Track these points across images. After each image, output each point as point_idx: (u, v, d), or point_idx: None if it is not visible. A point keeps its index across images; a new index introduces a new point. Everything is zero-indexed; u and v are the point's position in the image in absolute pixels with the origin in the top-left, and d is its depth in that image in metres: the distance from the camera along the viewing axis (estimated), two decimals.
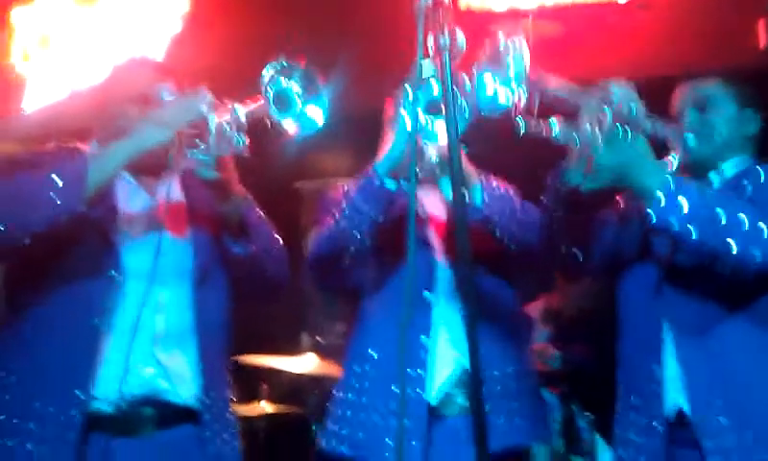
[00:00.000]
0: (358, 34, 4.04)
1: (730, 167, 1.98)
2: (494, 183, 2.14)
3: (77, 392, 1.83)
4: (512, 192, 2.16)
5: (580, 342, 3.61)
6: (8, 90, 4.88)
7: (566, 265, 2.02)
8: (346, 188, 2.21)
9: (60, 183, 1.77)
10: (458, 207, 1.39)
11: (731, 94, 2.01)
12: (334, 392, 2.25)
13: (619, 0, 4.13)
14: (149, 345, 1.92)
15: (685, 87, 2.06)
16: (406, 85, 1.91)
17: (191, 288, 2.00)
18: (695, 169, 1.97)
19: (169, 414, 1.94)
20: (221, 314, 2.09)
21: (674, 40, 3.93)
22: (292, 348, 3.96)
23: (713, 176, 1.99)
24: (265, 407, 3.82)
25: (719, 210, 1.70)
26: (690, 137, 1.94)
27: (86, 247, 1.89)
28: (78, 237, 1.86)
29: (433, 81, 1.82)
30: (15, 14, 4.97)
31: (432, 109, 1.86)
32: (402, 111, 1.99)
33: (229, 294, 2.11)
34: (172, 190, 2.06)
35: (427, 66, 1.65)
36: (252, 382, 3.87)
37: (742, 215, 1.70)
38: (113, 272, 1.90)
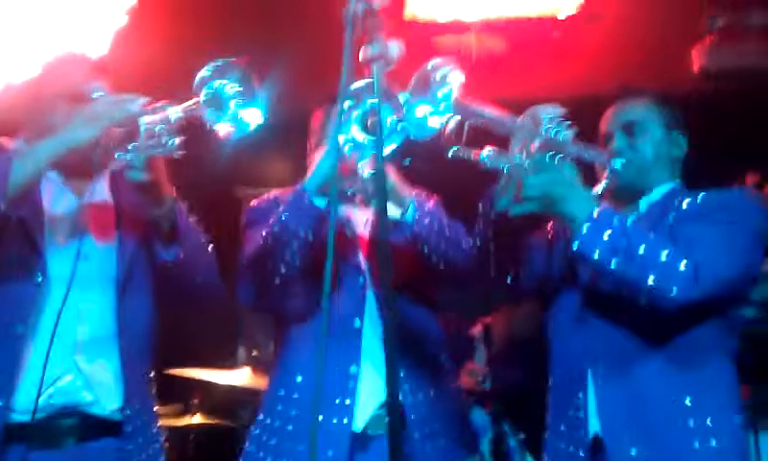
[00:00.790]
0: (304, 36, 4.01)
1: (657, 191, 2.00)
2: (425, 199, 2.12)
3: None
4: (441, 210, 2.14)
5: (515, 363, 3.63)
6: None
7: (497, 289, 2.02)
8: (274, 200, 2.16)
9: None
10: (381, 226, 1.35)
11: (659, 116, 2.02)
12: (259, 416, 2.16)
13: (558, 16, 4.18)
14: (70, 353, 1.86)
15: (614, 109, 2.06)
16: (337, 99, 1.87)
17: (115, 295, 1.94)
18: (623, 193, 1.99)
19: (90, 425, 1.87)
20: (146, 322, 2.03)
21: (613, 57, 4.02)
22: (228, 361, 3.92)
23: (642, 199, 2.00)
24: (197, 419, 3.76)
25: (639, 243, 1.72)
26: (617, 161, 1.96)
27: (10, 249, 1.82)
28: (1, 239, 1.79)
29: (368, 94, 1.78)
30: None
31: (366, 124, 1.82)
32: (333, 126, 1.96)
33: (155, 302, 2.05)
34: (99, 191, 2.00)
35: (358, 80, 1.64)
36: (184, 394, 3.81)
37: (662, 250, 1.72)
38: (39, 277, 1.83)
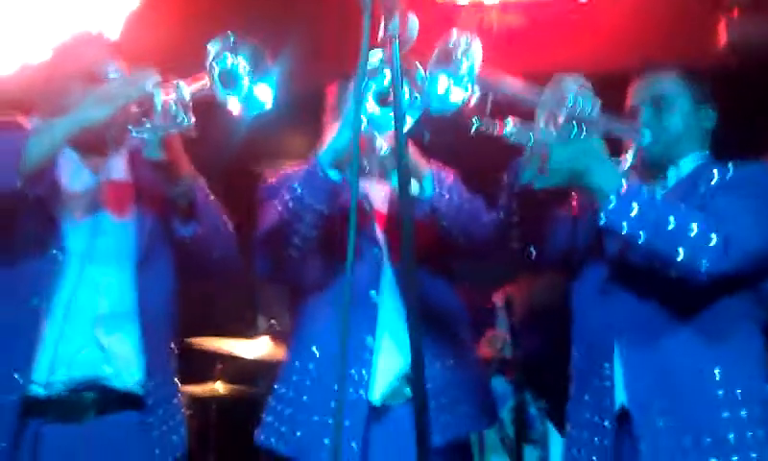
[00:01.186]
0: (319, 11, 3.99)
1: (686, 164, 1.97)
2: (444, 174, 2.10)
3: (15, 375, 1.79)
4: (460, 184, 2.12)
5: (537, 332, 3.64)
6: None
7: (521, 262, 2.01)
8: (288, 176, 2.16)
9: None
10: (404, 201, 1.36)
11: (687, 90, 1.99)
12: (275, 386, 2.18)
13: None
14: (90, 327, 1.88)
15: (641, 83, 2.03)
16: (354, 74, 1.86)
17: (133, 270, 1.95)
18: (651, 166, 1.97)
19: (111, 399, 1.90)
20: (165, 297, 2.04)
21: (635, 35, 3.95)
22: (247, 331, 3.94)
23: (670, 172, 1.97)
24: (218, 388, 3.80)
25: (668, 216, 1.69)
26: (646, 135, 1.92)
27: (28, 225, 1.84)
28: (19, 214, 1.81)
29: (385, 69, 1.76)
30: None
31: (383, 99, 1.80)
32: (350, 100, 1.93)
33: (174, 276, 2.06)
34: (116, 169, 2.02)
35: (375, 54, 1.63)
36: (206, 364, 3.85)
37: (692, 223, 1.69)
38: (56, 251, 1.85)
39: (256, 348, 3.76)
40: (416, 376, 1.34)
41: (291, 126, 3.66)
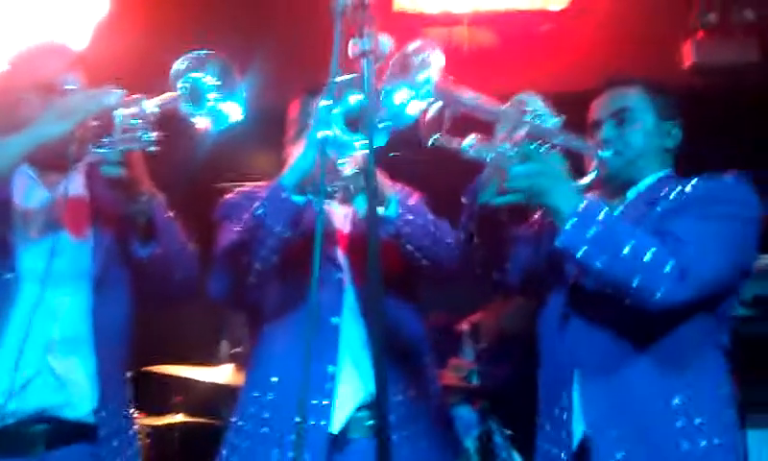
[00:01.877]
0: (287, 26, 3.97)
1: (645, 183, 1.93)
2: (408, 196, 2.06)
3: None
4: (424, 206, 2.08)
5: (504, 360, 3.61)
6: None
7: (484, 284, 1.97)
8: (248, 194, 2.10)
9: None
10: (371, 224, 1.31)
11: (650, 105, 1.95)
12: (232, 419, 2.09)
13: (551, 8, 4.15)
14: (42, 353, 1.79)
15: (604, 97, 1.99)
16: (319, 95, 1.80)
17: (89, 292, 1.88)
18: (612, 183, 1.94)
19: (62, 431, 1.81)
20: (121, 321, 1.97)
21: (603, 51, 4.00)
22: (210, 358, 3.87)
23: (631, 191, 1.94)
24: (179, 418, 3.71)
25: (625, 242, 1.66)
26: (606, 151, 1.90)
27: None
28: None
29: (350, 93, 1.71)
30: None
31: (348, 121, 1.75)
32: (312, 121, 1.89)
33: (132, 300, 1.99)
34: (73, 186, 1.94)
35: (339, 77, 1.57)
36: (167, 392, 3.77)
37: (648, 250, 1.66)
38: (8, 274, 1.77)
39: (219, 375, 3.69)
40: (380, 409, 1.27)
41: (258, 142, 3.61)
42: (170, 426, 3.67)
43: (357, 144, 1.70)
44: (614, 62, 3.77)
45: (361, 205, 1.95)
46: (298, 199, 1.88)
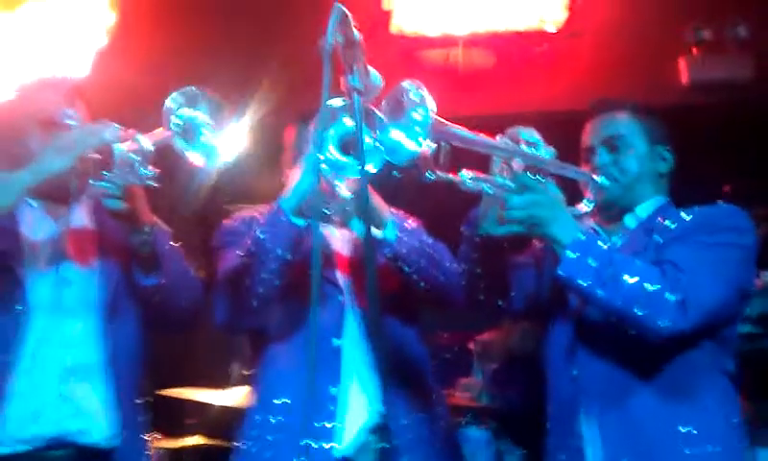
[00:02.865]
0: (287, 54, 4.00)
1: (643, 209, 1.95)
2: (405, 219, 2.08)
3: None
4: (422, 229, 2.10)
5: (514, 381, 3.61)
6: None
7: (488, 311, 1.98)
8: (246, 220, 2.13)
9: None
10: (368, 247, 1.34)
11: (641, 130, 1.97)
12: (236, 442, 2.10)
13: (549, 29, 4.19)
14: (57, 381, 1.84)
15: (595, 123, 2.00)
16: (315, 122, 1.83)
17: (101, 320, 1.92)
18: (608, 209, 1.96)
19: (79, 456, 1.85)
20: (134, 347, 2.01)
21: (598, 71, 4.03)
22: (221, 381, 3.88)
23: (628, 218, 1.96)
24: (193, 441, 3.73)
25: (625, 273, 1.68)
26: (601, 178, 1.91)
27: None
28: None
29: (344, 117, 1.75)
30: None
31: (344, 145, 1.79)
32: (310, 146, 1.91)
33: (142, 325, 2.02)
34: (79, 217, 1.99)
35: (335, 100, 1.61)
36: (178, 415, 3.79)
37: (649, 282, 1.68)
38: (20, 305, 1.82)
39: (231, 397, 3.69)
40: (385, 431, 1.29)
41: (260, 166, 3.65)
42: (183, 449, 3.68)
43: (353, 167, 1.73)
44: (610, 82, 3.81)
45: (358, 227, 1.97)
46: (297, 221, 1.90)
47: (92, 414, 1.86)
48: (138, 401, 2.03)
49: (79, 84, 2.16)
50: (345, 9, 1.38)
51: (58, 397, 1.83)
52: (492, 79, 4.09)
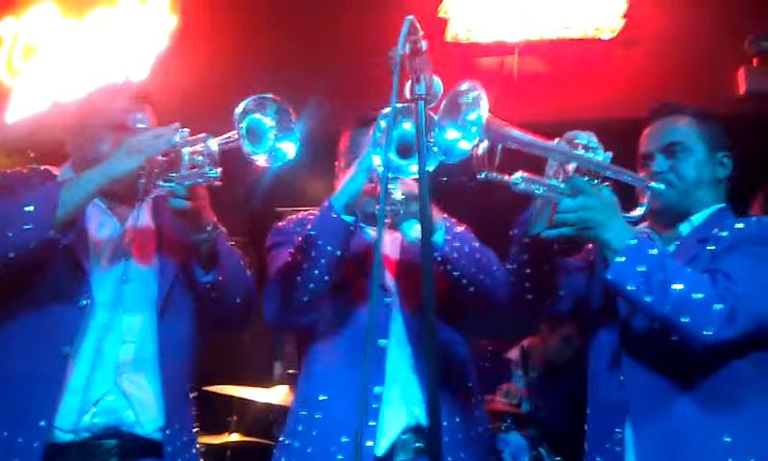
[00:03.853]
0: (340, 61, 4.06)
1: (699, 217, 1.93)
2: (455, 224, 2.08)
3: (41, 422, 1.80)
4: (471, 234, 2.10)
5: (553, 388, 3.59)
6: None
7: (535, 313, 1.98)
8: (299, 221, 2.16)
9: (32, 209, 1.76)
10: (426, 253, 1.37)
11: (701, 137, 1.95)
12: (280, 438, 2.12)
13: (602, 37, 4.17)
14: (113, 374, 1.90)
15: (654, 128, 1.99)
16: (377, 125, 1.86)
17: (156, 316, 1.98)
18: (664, 216, 1.94)
19: (132, 446, 1.90)
20: (186, 343, 2.06)
21: (653, 79, 3.99)
22: (264, 379, 3.94)
23: (683, 226, 1.94)
24: (234, 437, 3.78)
25: (675, 281, 1.67)
26: (658, 184, 1.90)
27: (57, 273, 1.87)
28: (49, 263, 1.85)
29: (403, 121, 1.77)
30: (2, 25, 4.94)
31: (401, 147, 1.80)
32: (366, 148, 1.93)
33: (196, 323, 2.08)
34: (141, 217, 2.06)
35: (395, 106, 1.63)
36: (222, 412, 3.84)
37: (698, 290, 1.67)
38: (84, 300, 1.89)
39: (273, 395, 3.75)
40: (433, 433, 1.32)
41: (312, 169, 3.70)
42: (225, 445, 3.74)
43: (410, 168, 1.75)
44: (666, 90, 3.75)
45: (408, 230, 2.00)
46: (348, 218, 1.93)
47: (145, 406, 1.92)
48: (187, 396, 2.08)
49: (146, 89, 2.24)
50: (415, 20, 1.42)
51: (114, 388, 1.89)
52: (546, 86, 4.09)
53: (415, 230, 1.92)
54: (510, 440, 3.27)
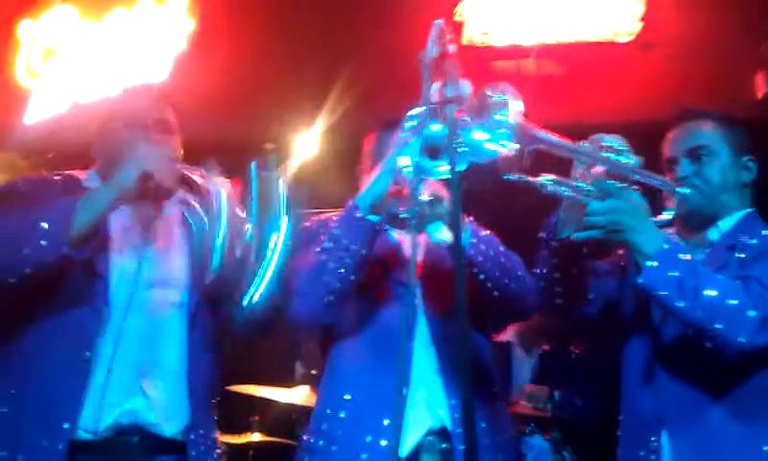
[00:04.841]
0: (362, 65, 4.07)
1: (727, 222, 1.93)
2: (480, 227, 2.08)
3: (65, 425, 1.82)
4: (496, 237, 2.09)
5: (579, 391, 3.58)
6: (11, 102, 4.89)
7: (563, 317, 1.99)
8: (324, 221, 2.17)
9: (46, 226, 1.79)
10: (457, 257, 1.38)
11: (725, 140, 1.94)
12: (304, 437, 2.12)
13: (620, 40, 4.17)
14: (135, 377, 1.91)
15: (678, 132, 1.98)
16: (401, 127, 1.87)
17: (181, 320, 1.99)
18: (692, 220, 1.94)
19: (153, 443, 1.92)
20: (212, 348, 2.07)
21: (672, 83, 3.98)
22: (286, 379, 3.95)
23: (711, 231, 1.94)
24: (255, 437, 3.79)
25: (707, 287, 1.67)
26: (684, 189, 1.89)
27: (75, 279, 1.89)
28: (68, 269, 1.86)
29: (431, 123, 1.78)
30: (21, 28, 4.99)
31: (426, 149, 1.82)
32: (392, 150, 1.92)
33: (221, 327, 2.08)
34: (163, 223, 2.06)
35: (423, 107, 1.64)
36: (243, 412, 3.85)
37: (731, 297, 1.67)
38: (104, 306, 1.90)
39: (295, 396, 3.76)
40: (467, 432, 1.33)
41: (334, 172, 3.72)
42: (246, 445, 3.75)
43: (439, 169, 1.75)
44: (683, 94, 3.73)
45: (434, 232, 2.01)
46: (372, 218, 1.93)
47: (168, 409, 1.93)
48: (210, 399, 2.08)
49: (167, 91, 2.26)
50: (443, 23, 1.43)
51: (135, 392, 1.90)
52: (562, 89, 4.09)
53: (441, 233, 1.92)
54: (533, 444, 3.25)
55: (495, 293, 2.00)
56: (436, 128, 1.76)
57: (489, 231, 2.11)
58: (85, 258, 1.86)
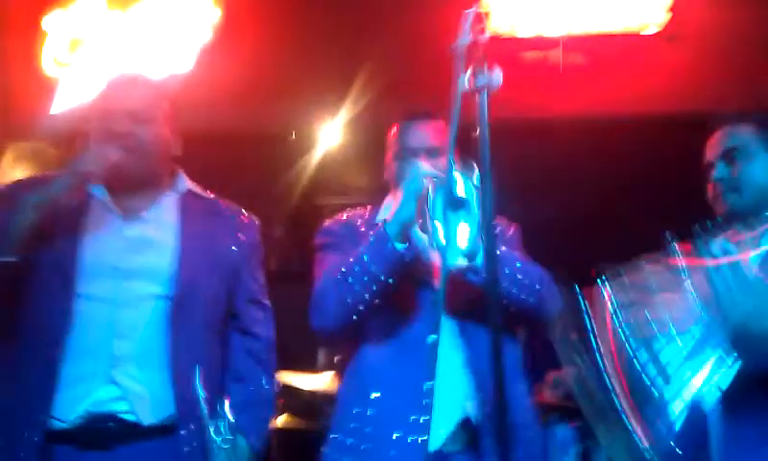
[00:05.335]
0: (383, 54, 4.07)
1: None
2: (503, 232, 2.12)
3: (40, 416, 1.87)
4: (513, 253, 2.11)
5: None
6: (39, 92, 4.94)
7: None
8: (346, 225, 2.20)
9: None
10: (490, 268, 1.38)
11: (761, 141, 1.98)
12: (331, 434, 2.14)
13: (647, 31, 4.14)
14: (106, 367, 1.92)
15: (717, 137, 2.03)
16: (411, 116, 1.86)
17: (160, 313, 2.00)
18: (733, 219, 1.93)
19: (132, 431, 1.93)
20: (204, 344, 2.08)
21: (699, 75, 3.96)
22: (309, 365, 3.99)
23: (765, 237, 1.87)
24: (279, 421, 3.85)
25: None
26: (723, 192, 1.94)
27: (47, 270, 1.93)
28: (43, 261, 1.91)
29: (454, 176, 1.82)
30: (48, 18, 5.04)
31: (451, 205, 1.84)
32: (414, 173, 1.97)
33: (209, 312, 2.10)
34: (158, 211, 2.08)
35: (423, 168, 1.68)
36: None
37: None
38: (78, 294, 1.92)
39: (318, 382, 3.81)
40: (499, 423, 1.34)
41: (353, 162, 3.74)
42: (271, 429, 3.81)
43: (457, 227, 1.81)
44: (711, 87, 3.72)
45: (451, 259, 2.01)
46: (400, 247, 1.95)
47: (143, 399, 1.94)
48: (213, 393, 2.04)
49: (165, 83, 2.25)
50: (478, 11, 1.44)
51: (106, 380, 1.92)
52: (589, 80, 4.08)
53: (457, 260, 1.91)
54: (556, 433, 3.26)
55: (512, 309, 2.02)
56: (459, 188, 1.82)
57: (513, 231, 2.14)
58: (62, 240, 1.90)
